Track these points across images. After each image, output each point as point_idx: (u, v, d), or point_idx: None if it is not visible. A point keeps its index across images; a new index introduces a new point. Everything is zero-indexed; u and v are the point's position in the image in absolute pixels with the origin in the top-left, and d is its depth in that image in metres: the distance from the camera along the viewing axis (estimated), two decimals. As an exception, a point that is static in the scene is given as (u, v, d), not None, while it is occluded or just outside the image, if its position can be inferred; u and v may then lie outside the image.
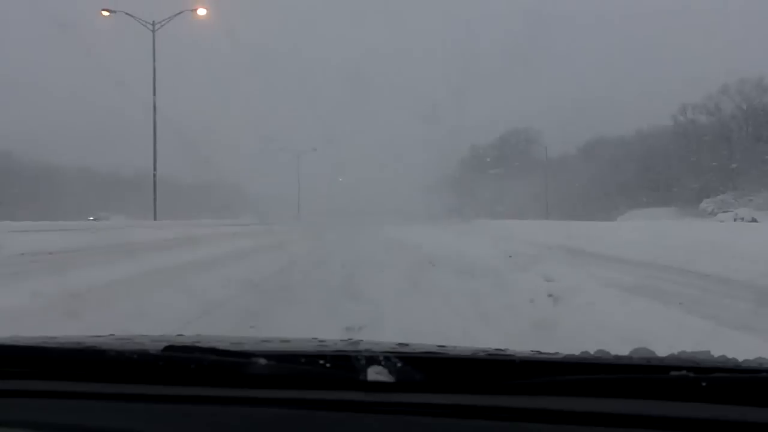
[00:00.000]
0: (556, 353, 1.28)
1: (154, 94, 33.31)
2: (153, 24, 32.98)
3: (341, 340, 1.52)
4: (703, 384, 1.10)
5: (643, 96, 69.78)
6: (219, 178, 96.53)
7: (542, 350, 1.33)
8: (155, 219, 35.06)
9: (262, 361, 1.20)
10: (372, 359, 1.17)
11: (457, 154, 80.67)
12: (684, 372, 1.12)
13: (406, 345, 1.37)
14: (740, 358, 1.23)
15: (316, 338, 1.53)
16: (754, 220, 35.03)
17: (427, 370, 1.17)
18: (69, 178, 78.89)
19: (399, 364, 1.16)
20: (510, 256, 13.67)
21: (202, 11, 33.34)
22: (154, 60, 32.74)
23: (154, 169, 36.48)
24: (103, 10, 33.09)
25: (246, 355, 1.23)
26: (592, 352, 1.27)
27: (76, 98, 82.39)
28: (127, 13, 32.75)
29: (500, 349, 1.33)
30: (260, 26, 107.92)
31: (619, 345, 1.35)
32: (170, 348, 1.28)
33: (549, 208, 61.61)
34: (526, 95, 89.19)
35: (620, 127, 65.04)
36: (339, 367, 1.20)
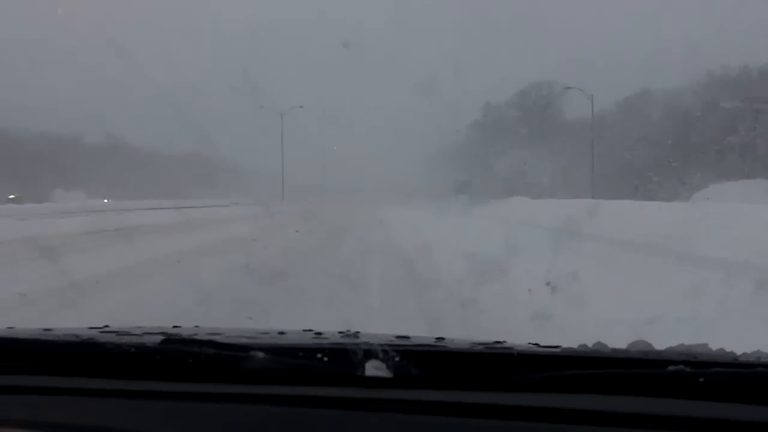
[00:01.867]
0: (555, 346, 1.27)
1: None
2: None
3: (339, 333, 1.48)
4: (701, 379, 1.10)
5: (697, 41, 57.69)
6: (200, 149, 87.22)
7: (540, 343, 1.32)
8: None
9: (260, 354, 1.19)
10: (370, 353, 1.16)
11: (467, 117, 68.98)
12: (681, 366, 1.13)
13: (405, 338, 1.38)
14: (738, 352, 1.23)
15: (312, 330, 1.52)
16: None
17: (426, 365, 1.17)
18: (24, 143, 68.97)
19: (397, 359, 1.15)
20: None
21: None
22: None
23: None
24: None
25: (244, 349, 1.22)
26: (590, 345, 1.26)
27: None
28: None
29: (498, 342, 1.33)
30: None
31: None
32: (167, 341, 1.28)
33: (581, 183, 50.47)
34: (544, 46, 77.19)
35: (665, 79, 52.98)
36: (337, 362, 1.18)
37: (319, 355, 1.22)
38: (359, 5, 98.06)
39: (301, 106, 55.51)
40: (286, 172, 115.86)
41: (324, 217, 26.30)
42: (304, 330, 1.56)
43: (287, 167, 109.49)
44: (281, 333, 1.53)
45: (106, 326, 1.59)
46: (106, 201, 57.57)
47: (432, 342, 1.34)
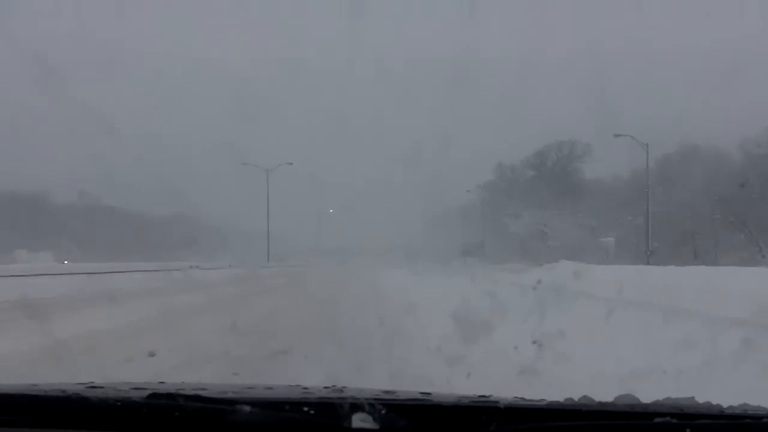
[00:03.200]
0: (541, 400, 1.28)
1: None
2: None
3: (325, 387, 1.50)
4: (687, 431, 1.10)
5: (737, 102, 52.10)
6: (184, 210, 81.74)
7: (526, 397, 1.33)
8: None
9: (246, 408, 1.19)
10: (356, 406, 1.16)
11: (476, 178, 63.08)
12: (668, 418, 1.13)
13: (391, 392, 1.38)
14: (725, 404, 1.23)
15: (299, 385, 1.53)
16: None
17: (412, 418, 1.16)
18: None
19: (383, 411, 1.15)
20: None
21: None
22: None
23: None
24: None
25: (230, 403, 1.22)
26: (576, 399, 1.26)
27: None
28: None
29: (484, 396, 1.34)
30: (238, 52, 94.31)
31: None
32: (154, 396, 1.28)
33: (617, 247, 44.00)
34: (563, 103, 72.14)
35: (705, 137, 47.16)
36: (323, 415, 1.18)
37: (305, 409, 1.20)
38: (356, 61, 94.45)
39: (291, 163, 50.48)
40: (280, 234, 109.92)
41: (295, 289, 20.31)
42: (290, 385, 1.56)
43: (280, 229, 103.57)
44: (268, 388, 1.53)
45: (92, 382, 1.56)
46: (65, 263, 51.14)
47: (418, 395, 1.34)
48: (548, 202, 49.93)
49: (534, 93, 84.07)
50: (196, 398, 1.26)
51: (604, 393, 1.32)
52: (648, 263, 28.03)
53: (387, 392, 1.38)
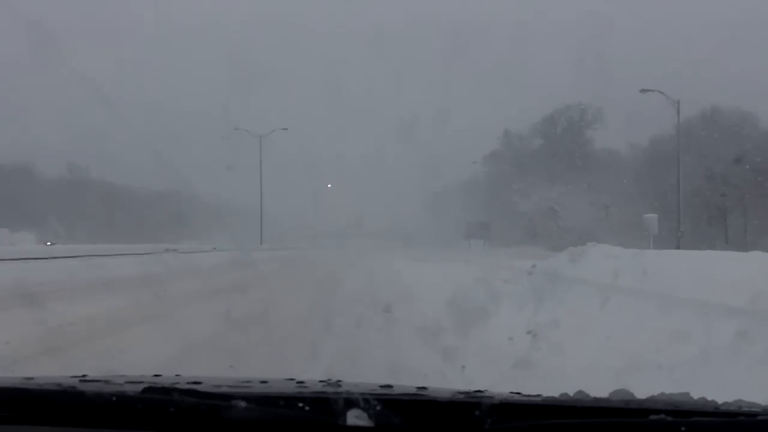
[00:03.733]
0: (536, 395, 1.30)
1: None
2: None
3: (321, 381, 1.51)
4: (683, 429, 1.11)
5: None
6: (178, 186, 78.68)
7: (522, 392, 1.35)
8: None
9: (242, 404, 1.19)
10: (351, 402, 1.16)
11: (482, 150, 59.61)
12: (662, 415, 1.13)
13: (387, 387, 1.39)
14: (720, 401, 1.24)
15: (294, 379, 1.54)
16: None
17: (407, 413, 1.17)
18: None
19: (378, 407, 1.15)
20: None
21: None
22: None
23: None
24: None
25: (225, 398, 1.22)
26: (571, 394, 1.28)
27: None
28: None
29: (480, 391, 1.34)
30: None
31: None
32: (149, 390, 1.28)
33: (626, 225, 40.84)
34: (570, 68, 68.32)
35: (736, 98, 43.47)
36: (318, 411, 1.19)
37: (300, 405, 1.21)
38: (351, 28, 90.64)
39: (285, 129, 46.73)
40: (276, 215, 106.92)
41: (281, 277, 17.19)
42: (286, 379, 1.56)
43: (276, 210, 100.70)
44: (263, 382, 1.53)
45: (85, 375, 1.56)
46: (48, 244, 48.21)
47: (413, 391, 1.34)
48: (558, 175, 46.61)
49: (537, 58, 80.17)
50: (191, 392, 1.24)
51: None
52: (679, 246, 24.90)
53: (382, 387, 1.39)
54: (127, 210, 70.59)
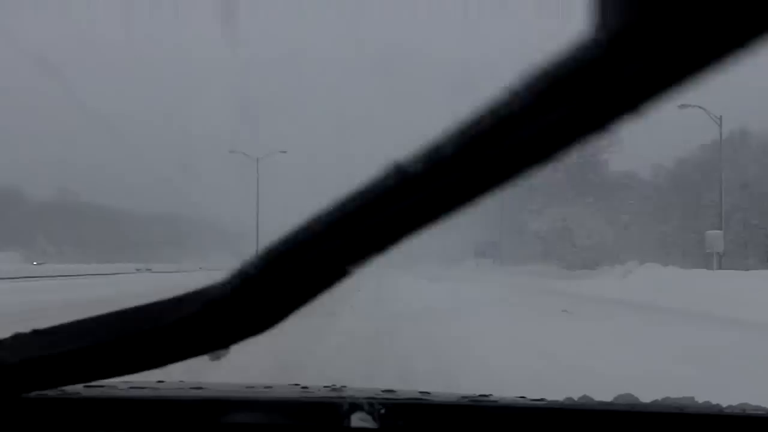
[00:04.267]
0: (540, 399, 1.29)
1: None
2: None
3: (325, 387, 1.50)
4: (687, 431, 1.13)
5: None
6: (174, 207, 76.82)
7: (527, 396, 1.36)
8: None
9: (246, 409, 1.19)
10: (355, 406, 1.16)
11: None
12: (667, 419, 1.14)
13: (391, 391, 1.39)
14: (724, 404, 1.26)
15: (298, 384, 1.55)
16: None
17: (411, 417, 1.17)
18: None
19: (382, 411, 1.15)
20: None
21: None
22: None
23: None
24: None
25: (229, 403, 1.21)
26: (575, 398, 1.27)
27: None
28: None
29: (484, 395, 1.35)
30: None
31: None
32: (152, 395, 1.28)
33: (643, 245, 38.36)
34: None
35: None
36: (322, 415, 1.19)
37: (304, 409, 1.22)
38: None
39: (284, 152, 44.64)
40: (277, 234, 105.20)
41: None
42: (290, 384, 1.58)
43: (278, 229, 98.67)
44: (267, 387, 1.52)
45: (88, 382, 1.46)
46: (35, 263, 45.93)
47: (418, 395, 1.35)
48: (572, 194, 44.21)
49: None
50: (195, 398, 1.25)
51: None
52: (720, 267, 22.26)
53: (387, 391, 1.37)
54: (123, 231, 68.31)
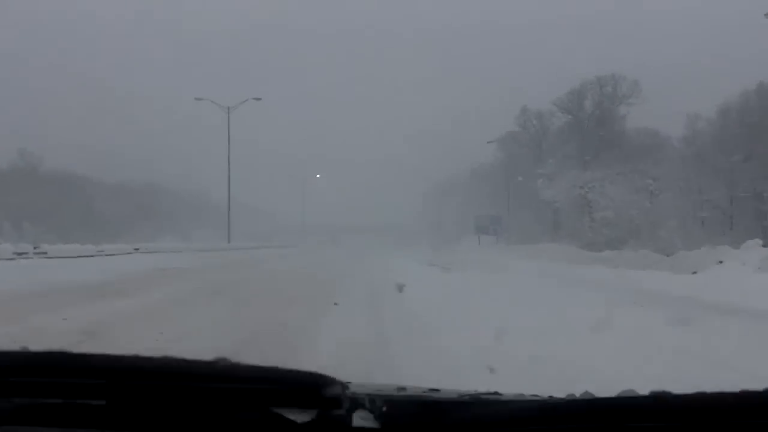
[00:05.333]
0: (544, 396, 1.31)
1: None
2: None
3: None
4: (691, 425, 1.10)
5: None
6: (143, 176, 70.89)
7: (531, 393, 1.36)
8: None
9: (244, 404, 1.15)
10: (356, 402, 1.14)
11: (492, 133, 51.31)
12: (674, 414, 1.11)
13: (396, 388, 1.39)
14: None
15: None
16: None
17: (414, 414, 1.16)
18: None
19: (384, 408, 1.14)
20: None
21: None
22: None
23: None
24: None
25: (226, 395, 1.17)
26: (578, 395, 1.28)
27: None
28: None
29: (488, 392, 1.35)
30: None
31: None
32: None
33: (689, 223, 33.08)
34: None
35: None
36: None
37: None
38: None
39: (259, 98, 38.52)
40: (266, 209, 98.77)
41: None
42: None
43: (266, 204, 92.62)
44: None
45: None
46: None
47: (420, 392, 1.35)
48: (589, 157, 38.60)
49: (549, 29, 72.41)
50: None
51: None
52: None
53: (391, 388, 1.37)
54: (87, 203, 62.45)
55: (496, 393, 1.33)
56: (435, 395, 1.32)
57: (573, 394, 1.28)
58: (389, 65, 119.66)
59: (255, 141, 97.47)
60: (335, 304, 8.90)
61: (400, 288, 10.14)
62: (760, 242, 15.36)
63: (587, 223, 36.06)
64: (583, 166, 37.47)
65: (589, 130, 40.45)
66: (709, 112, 37.28)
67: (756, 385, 1.06)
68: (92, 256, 19.49)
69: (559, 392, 1.32)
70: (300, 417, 1.12)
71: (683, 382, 1.35)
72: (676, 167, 35.63)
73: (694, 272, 14.24)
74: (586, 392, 1.29)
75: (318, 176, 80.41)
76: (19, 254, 17.25)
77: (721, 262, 14.26)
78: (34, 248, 18.43)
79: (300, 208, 77.46)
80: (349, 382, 1.35)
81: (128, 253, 20.74)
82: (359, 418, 1.12)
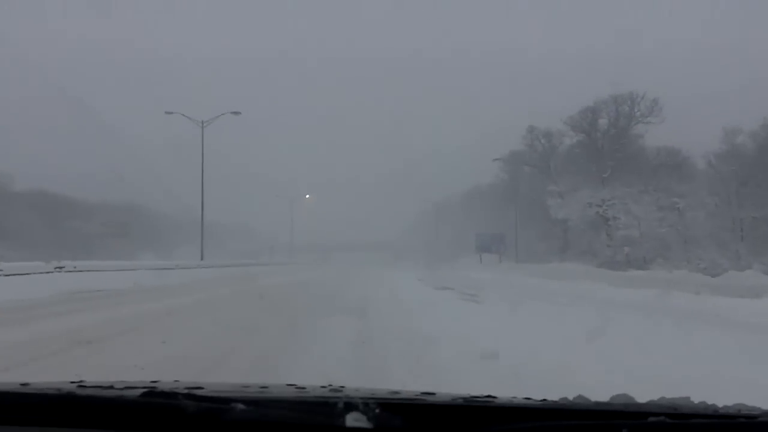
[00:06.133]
0: (535, 399, 1.29)
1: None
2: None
3: (321, 387, 1.49)
4: (682, 431, 1.12)
5: None
6: (122, 196, 67.07)
7: (522, 396, 1.34)
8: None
9: (241, 407, 1.17)
10: (350, 405, 1.14)
11: (493, 151, 47.51)
12: (662, 418, 1.13)
13: (387, 391, 1.39)
14: (720, 404, 1.23)
15: (294, 384, 1.54)
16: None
17: (407, 417, 1.15)
18: None
19: (377, 411, 1.14)
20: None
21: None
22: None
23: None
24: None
25: (225, 402, 1.21)
26: (571, 398, 1.27)
27: None
28: None
29: (480, 395, 1.34)
30: None
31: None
32: (148, 394, 1.27)
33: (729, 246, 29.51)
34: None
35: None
36: (317, 415, 1.17)
37: (300, 408, 1.21)
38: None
39: (238, 113, 34.91)
40: (254, 228, 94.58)
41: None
42: (286, 384, 1.55)
43: (255, 222, 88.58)
44: (263, 387, 1.52)
45: (82, 381, 1.54)
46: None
47: (413, 395, 1.34)
48: (606, 176, 35.02)
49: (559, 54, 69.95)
50: (191, 397, 1.22)
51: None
52: None
53: (384, 392, 1.38)
54: (63, 222, 58.33)
55: (489, 396, 1.31)
56: (428, 398, 1.30)
57: (566, 397, 1.25)
58: (383, 85, 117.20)
59: (246, 162, 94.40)
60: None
61: (491, 356, 5.55)
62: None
63: (605, 242, 32.41)
64: (601, 184, 33.88)
65: (605, 148, 36.93)
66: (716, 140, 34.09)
67: None
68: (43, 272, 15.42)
69: (553, 396, 1.27)
70: None
71: None
72: (704, 184, 31.97)
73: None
74: (579, 396, 1.25)
75: (308, 197, 76.63)
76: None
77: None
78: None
79: (291, 226, 73.52)
80: (343, 386, 1.38)
81: (45, 273, 16.30)
82: (353, 420, 1.10)
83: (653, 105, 37.19)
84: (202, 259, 33.98)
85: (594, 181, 34.82)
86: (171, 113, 33.70)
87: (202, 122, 33.18)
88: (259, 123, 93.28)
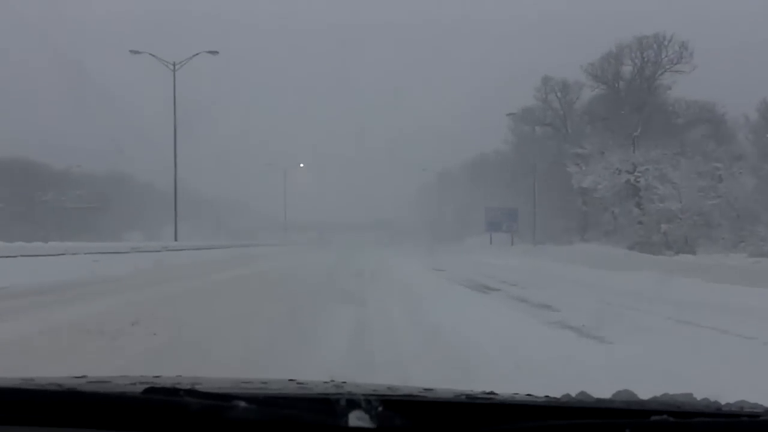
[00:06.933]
0: (538, 396, 1.30)
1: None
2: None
3: (323, 382, 1.50)
4: (685, 429, 1.12)
5: None
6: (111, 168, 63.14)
7: (525, 393, 1.34)
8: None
9: (242, 404, 1.18)
10: (353, 403, 1.15)
11: (505, 103, 43.11)
12: (665, 416, 1.13)
13: (391, 387, 1.40)
14: (722, 401, 1.23)
15: (295, 380, 1.54)
16: None
17: (410, 414, 1.16)
18: None
19: (380, 408, 1.14)
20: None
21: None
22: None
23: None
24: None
25: (226, 398, 1.22)
26: (573, 395, 1.28)
27: None
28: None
29: (483, 392, 1.35)
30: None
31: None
32: (150, 390, 1.28)
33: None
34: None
35: None
36: (319, 412, 1.18)
37: (301, 405, 1.21)
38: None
39: (216, 52, 30.89)
40: (248, 204, 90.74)
41: None
42: (287, 380, 1.56)
43: (249, 198, 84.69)
44: (263, 382, 1.53)
45: (85, 376, 1.58)
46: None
47: (416, 392, 1.34)
48: (634, 135, 30.66)
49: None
50: (193, 393, 1.23)
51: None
52: None
53: (386, 388, 1.37)
54: (36, 193, 54.20)
55: (491, 393, 1.32)
56: (430, 395, 1.31)
57: (569, 394, 1.26)
58: (380, 55, 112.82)
59: (244, 137, 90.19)
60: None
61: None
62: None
63: (637, 217, 28.11)
64: (630, 145, 29.43)
65: (629, 102, 32.41)
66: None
67: None
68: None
69: (555, 392, 1.27)
70: None
71: None
72: (747, 147, 27.65)
73: None
74: (582, 392, 1.26)
75: (301, 165, 72.48)
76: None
77: None
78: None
79: (287, 203, 69.47)
80: (344, 382, 1.39)
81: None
82: (355, 418, 1.10)
83: (682, 49, 32.67)
84: (175, 239, 29.79)
85: (622, 142, 30.36)
86: (137, 53, 29.34)
87: (174, 64, 29.03)
88: (257, 94, 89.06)
